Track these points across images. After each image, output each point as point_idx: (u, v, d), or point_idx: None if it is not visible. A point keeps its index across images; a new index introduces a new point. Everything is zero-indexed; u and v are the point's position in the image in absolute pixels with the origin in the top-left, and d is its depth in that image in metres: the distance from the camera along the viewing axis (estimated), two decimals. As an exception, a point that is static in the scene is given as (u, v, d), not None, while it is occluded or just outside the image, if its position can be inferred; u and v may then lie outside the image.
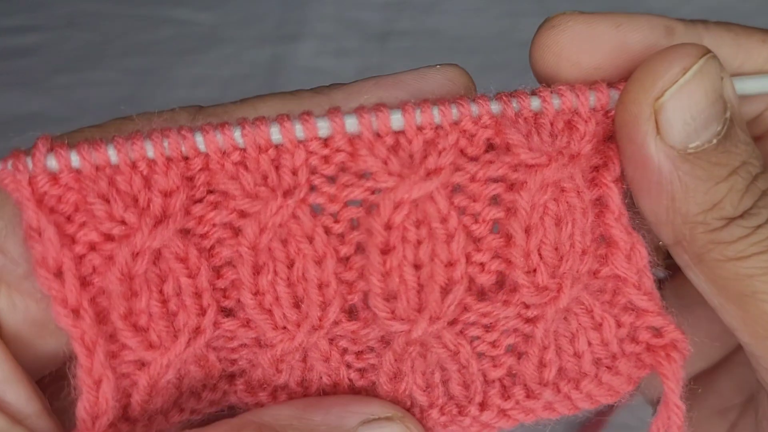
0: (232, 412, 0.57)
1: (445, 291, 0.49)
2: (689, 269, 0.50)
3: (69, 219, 0.47)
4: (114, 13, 1.37)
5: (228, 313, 0.51)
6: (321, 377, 0.52)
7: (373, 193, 0.48)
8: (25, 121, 1.27)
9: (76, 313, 0.46)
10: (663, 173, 0.47)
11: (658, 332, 0.54)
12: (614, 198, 0.51)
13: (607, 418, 0.88)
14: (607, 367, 0.53)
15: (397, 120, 0.48)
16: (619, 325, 0.54)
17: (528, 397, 0.52)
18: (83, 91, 1.33)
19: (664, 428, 0.53)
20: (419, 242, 0.49)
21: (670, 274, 0.63)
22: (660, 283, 0.65)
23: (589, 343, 0.53)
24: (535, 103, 0.49)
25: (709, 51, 0.47)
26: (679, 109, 0.46)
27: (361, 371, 0.53)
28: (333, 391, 0.53)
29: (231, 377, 0.54)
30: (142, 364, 0.49)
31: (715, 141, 0.47)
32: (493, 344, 0.52)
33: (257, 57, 1.30)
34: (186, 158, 0.47)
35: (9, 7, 1.39)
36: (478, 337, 0.52)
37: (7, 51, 1.38)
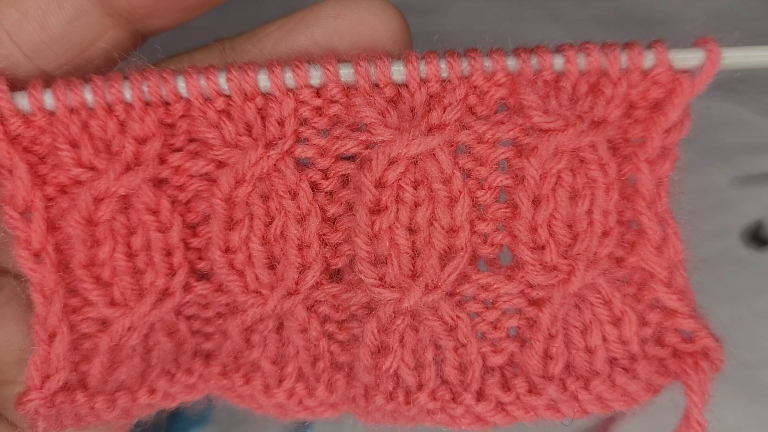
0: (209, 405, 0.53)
1: (445, 259, 0.44)
2: None
3: (42, 160, 0.43)
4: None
5: (203, 276, 0.46)
6: (298, 352, 0.47)
7: (367, 147, 0.43)
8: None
9: (38, 256, 0.43)
10: None
11: (688, 337, 0.47)
12: (645, 181, 0.45)
13: (613, 426, 0.81)
14: (623, 368, 0.46)
15: (398, 72, 0.43)
16: (643, 323, 0.47)
17: (530, 391, 0.46)
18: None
19: None
20: (417, 204, 0.43)
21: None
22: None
23: (604, 339, 0.46)
24: (558, 61, 0.43)
25: None
26: None
27: (343, 344, 0.47)
28: (312, 369, 0.48)
29: (207, 359, 0.49)
30: (103, 325, 0.45)
31: None
32: (494, 325, 0.46)
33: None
34: (167, 104, 0.43)
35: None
36: (477, 314, 0.46)
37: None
